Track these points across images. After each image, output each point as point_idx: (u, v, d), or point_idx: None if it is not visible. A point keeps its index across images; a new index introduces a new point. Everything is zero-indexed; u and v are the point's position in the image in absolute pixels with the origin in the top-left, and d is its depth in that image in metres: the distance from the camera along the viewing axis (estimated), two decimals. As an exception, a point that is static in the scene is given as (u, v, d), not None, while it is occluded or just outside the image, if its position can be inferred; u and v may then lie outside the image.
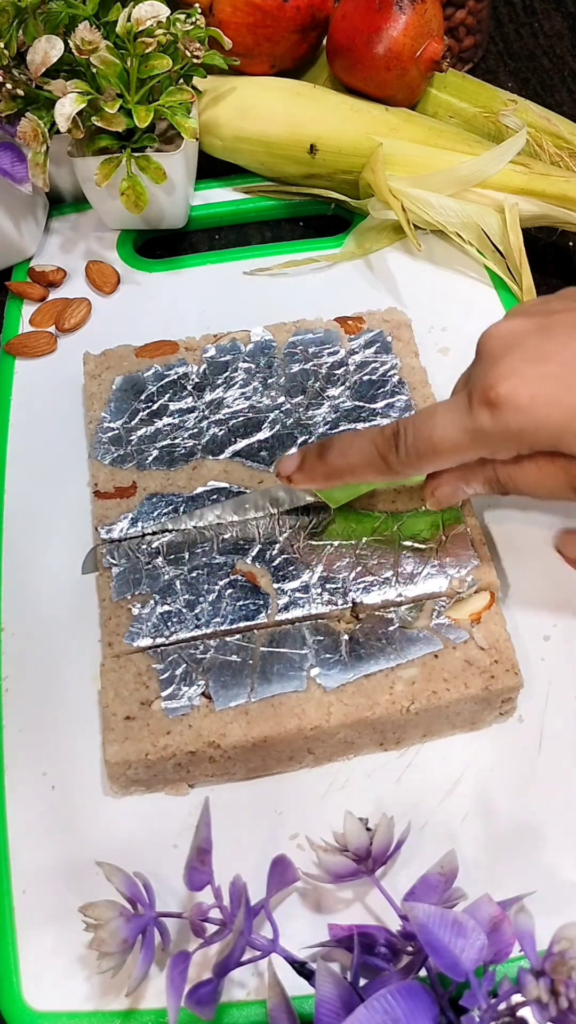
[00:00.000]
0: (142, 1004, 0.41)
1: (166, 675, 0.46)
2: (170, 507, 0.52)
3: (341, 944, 0.40)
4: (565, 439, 0.41)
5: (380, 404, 0.55)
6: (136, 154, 0.61)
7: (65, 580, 0.52)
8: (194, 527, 0.51)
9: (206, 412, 0.56)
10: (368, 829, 0.41)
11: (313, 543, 0.50)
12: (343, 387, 0.56)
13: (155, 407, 0.56)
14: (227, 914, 0.39)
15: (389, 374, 0.56)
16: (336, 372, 0.57)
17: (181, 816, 0.46)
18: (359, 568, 0.49)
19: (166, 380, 0.57)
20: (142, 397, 0.56)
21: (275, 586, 0.49)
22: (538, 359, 0.41)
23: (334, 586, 0.49)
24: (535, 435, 0.41)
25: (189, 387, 0.57)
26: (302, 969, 0.39)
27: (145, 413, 0.56)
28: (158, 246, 0.69)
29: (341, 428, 0.55)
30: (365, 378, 0.56)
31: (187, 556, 0.50)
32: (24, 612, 0.52)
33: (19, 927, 0.43)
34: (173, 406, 0.56)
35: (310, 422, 0.55)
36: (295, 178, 0.69)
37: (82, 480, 0.56)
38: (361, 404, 0.55)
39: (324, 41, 0.69)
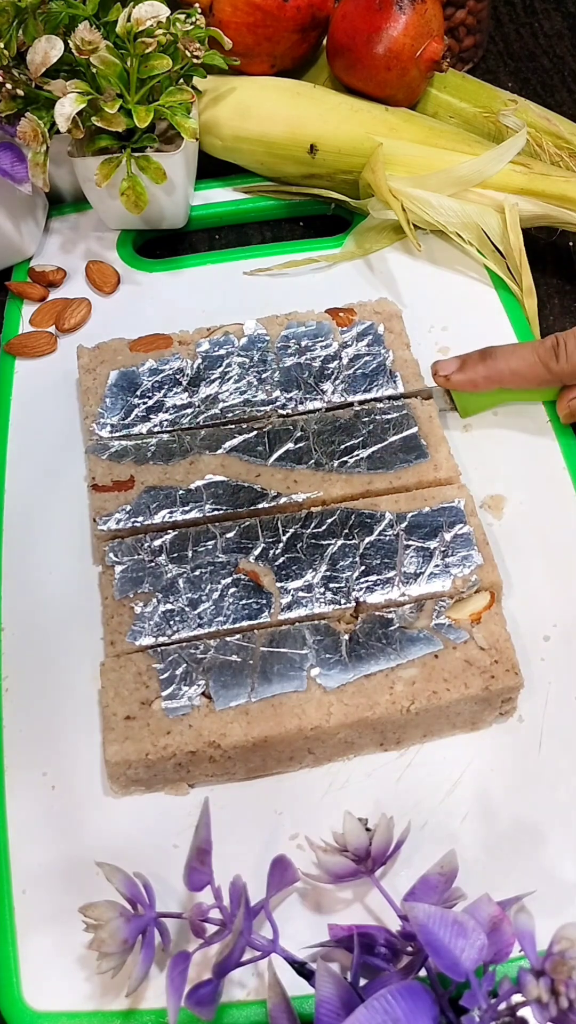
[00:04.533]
0: (142, 1004, 0.41)
1: (166, 675, 0.46)
2: (168, 500, 0.52)
3: (341, 944, 0.40)
4: None
5: (373, 397, 0.56)
6: (136, 154, 0.61)
7: (65, 580, 0.52)
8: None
9: (201, 407, 0.56)
10: (368, 829, 0.41)
11: (316, 542, 0.50)
12: (336, 381, 0.56)
13: (151, 403, 0.56)
14: (227, 914, 0.39)
15: (382, 368, 0.57)
16: (329, 366, 0.57)
17: (181, 816, 0.45)
18: (362, 568, 0.49)
19: (161, 375, 0.57)
20: (137, 393, 0.56)
21: (278, 585, 0.49)
22: None
23: (337, 585, 0.49)
24: None
25: (184, 382, 0.57)
26: (302, 969, 0.39)
27: (141, 409, 0.56)
28: (158, 246, 0.69)
29: (336, 423, 0.55)
30: (358, 372, 0.57)
31: (190, 554, 0.50)
32: (24, 612, 0.52)
33: (19, 927, 0.43)
34: (168, 402, 0.56)
35: (305, 417, 0.55)
36: (295, 178, 0.69)
37: (82, 479, 0.56)
38: (355, 398, 0.56)
39: (324, 41, 0.69)
